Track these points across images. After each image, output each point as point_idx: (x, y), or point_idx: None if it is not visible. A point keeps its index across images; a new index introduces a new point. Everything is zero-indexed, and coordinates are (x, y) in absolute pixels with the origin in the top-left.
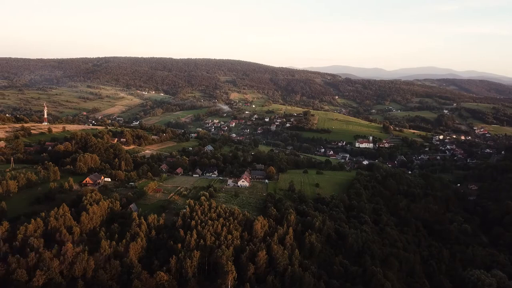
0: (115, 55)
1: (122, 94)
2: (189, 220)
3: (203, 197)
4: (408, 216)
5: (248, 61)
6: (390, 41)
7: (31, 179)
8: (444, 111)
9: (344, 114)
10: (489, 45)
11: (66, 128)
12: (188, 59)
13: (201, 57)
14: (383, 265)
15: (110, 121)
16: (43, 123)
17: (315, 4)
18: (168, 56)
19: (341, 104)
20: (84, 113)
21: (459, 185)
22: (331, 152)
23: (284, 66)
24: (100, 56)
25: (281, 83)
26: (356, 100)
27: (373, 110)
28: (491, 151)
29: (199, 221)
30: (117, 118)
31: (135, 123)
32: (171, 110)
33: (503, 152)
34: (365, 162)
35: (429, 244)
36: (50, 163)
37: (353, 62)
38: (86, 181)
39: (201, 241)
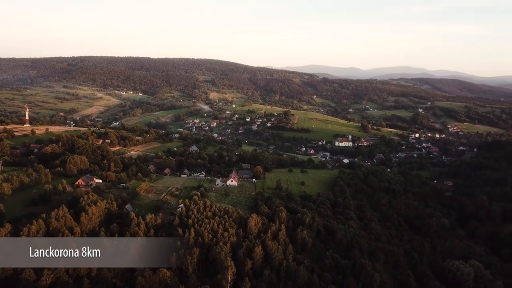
0: (91, 55)
1: (99, 94)
2: (185, 218)
3: (195, 197)
4: (390, 212)
5: (226, 60)
6: (366, 41)
7: (24, 182)
8: (419, 110)
9: (322, 113)
10: (460, 46)
11: (49, 130)
12: (166, 58)
13: (179, 57)
14: (371, 258)
15: (90, 122)
16: (25, 125)
17: (291, 4)
18: (145, 56)
19: (319, 103)
20: (62, 113)
21: (435, 181)
22: (312, 151)
23: (262, 65)
24: (75, 56)
25: (260, 83)
26: (334, 100)
27: (351, 109)
28: (464, 149)
29: (195, 219)
30: (96, 119)
31: (114, 123)
32: (151, 110)
33: (475, 149)
34: (346, 161)
35: (411, 238)
36: (40, 165)
37: (330, 62)
38: (78, 183)
39: (199, 238)
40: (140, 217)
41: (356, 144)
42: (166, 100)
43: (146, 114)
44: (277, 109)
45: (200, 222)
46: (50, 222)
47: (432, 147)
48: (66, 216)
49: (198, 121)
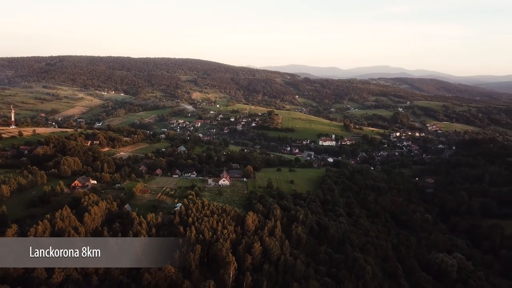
0: (70, 54)
1: (81, 95)
2: (185, 217)
3: (191, 196)
4: (377, 209)
5: (208, 60)
6: (345, 41)
7: (21, 183)
8: (399, 109)
9: (305, 113)
10: (437, 46)
11: (37, 131)
12: (147, 58)
13: (161, 56)
14: (362, 252)
15: (75, 123)
16: (11, 127)
17: (271, 3)
18: (126, 55)
19: (301, 103)
20: (43, 114)
21: (417, 179)
22: (297, 151)
23: (243, 65)
24: (54, 55)
25: (243, 83)
26: (316, 99)
27: (332, 109)
28: (443, 147)
29: (195, 218)
30: (79, 120)
31: (98, 124)
32: (134, 111)
33: (454, 147)
34: (330, 159)
35: (397, 232)
36: (35, 167)
37: (310, 61)
38: (75, 184)
39: (200, 236)
40: (141, 216)
41: (339, 143)
42: (149, 100)
43: (129, 114)
44: (261, 109)
45: (200, 220)
46: (56, 222)
47: (412, 145)
48: (70, 216)
49: (182, 121)
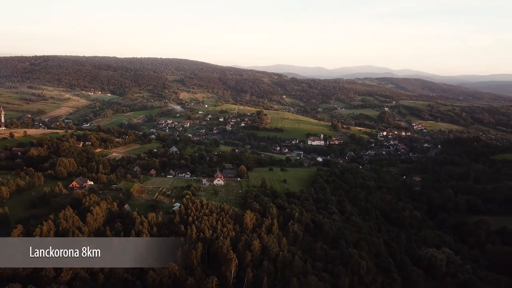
0: (54, 54)
1: (67, 95)
2: (185, 216)
3: (187, 196)
4: (368, 206)
5: (196, 60)
6: (331, 41)
7: (20, 185)
8: (385, 108)
9: (293, 113)
10: (422, 46)
11: (28, 133)
12: (133, 58)
13: (147, 56)
14: (356, 248)
15: (64, 124)
16: (1, 128)
17: (257, 3)
18: (112, 55)
19: (289, 103)
20: (29, 115)
21: (405, 177)
22: (286, 150)
23: (229, 65)
24: (38, 55)
25: (230, 83)
26: (303, 99)
27: (320, 109)
28: (429, 146)
29: (195, 216)
30: (66, 120)
31: (85, 125)
32: (122, 111)
33: (439, 146)
34: (319, 159)
35: (388, 229)
36: (31, 168)
37: (297, 61)
38: (73, 185)
39: (201, 234)
40: (142, 216)
41: (328, 143)
42: (137, 101)
43: (117, 114)
44: (249, 109)
45: (200, 219)
46: (60, 222)
47: (399, 144)
48: (73, 216)
49: (171, 121)
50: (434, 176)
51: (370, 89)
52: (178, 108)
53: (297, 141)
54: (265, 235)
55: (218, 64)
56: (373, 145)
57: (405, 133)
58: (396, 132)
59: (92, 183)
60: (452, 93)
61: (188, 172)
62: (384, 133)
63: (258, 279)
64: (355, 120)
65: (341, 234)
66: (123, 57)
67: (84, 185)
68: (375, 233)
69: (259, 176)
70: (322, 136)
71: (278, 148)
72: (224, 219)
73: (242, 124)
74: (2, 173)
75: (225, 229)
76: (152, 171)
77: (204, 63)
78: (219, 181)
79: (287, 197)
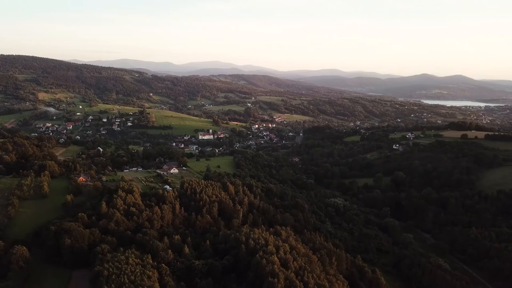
0: None
1: None
2: (192, 189)
3: (170, 180)
4: (282, 178)
5: (45, 57)
6: (177, 36)
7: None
8: (248, 104)
9: (165, 110)
10: (262, 42)
11: None
12: None
13: None
14: (294, 200)
15: None
16: None
17: None
18: None
19: (158, 101)
20: None
21: (289, 159)
22: (182, 145)
23: (69, 59)
24: None
25: (90, 81)
26: (171, 97)
27: (190, 106)
28: (293, 134)
29: (200, 189)
30: None
31: None
32: None
33: (301, 134)
34: (217, 150)
35: (300, 191)
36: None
37: (143, 56)
38: (81, 180)
39: (214, 196)
40: (165, 192)
41: (216, 136)
42: None
43: None
44: (129, 109)
45: (206, 189)
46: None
47: (270, 134)
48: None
49: (50, 124)
50: (309, 156)
51: (230, 86)
52: (51, 110)
53: (188, 137)
54: (247, 196)
55: (59, 59)
56: (251, 136)
57: (271, 125)
58: (264, 125)
59: (89, 177)
60: (295, 88)
61: (140, 167)
62: (257, 126)
63: (255, 217)
64: (227, 115)
65: (284, 193)
66: None
67: (88, 178)
68: (297, 192)
69: (195, 165)
70: (211, 131)
71: (174, 144)
72: (217, 189)
73: (129, 124)
74: None
75: (223, 193)
76: (109, 168)
77: (56, 60)
78: (174, 170)
79: (233, 176)
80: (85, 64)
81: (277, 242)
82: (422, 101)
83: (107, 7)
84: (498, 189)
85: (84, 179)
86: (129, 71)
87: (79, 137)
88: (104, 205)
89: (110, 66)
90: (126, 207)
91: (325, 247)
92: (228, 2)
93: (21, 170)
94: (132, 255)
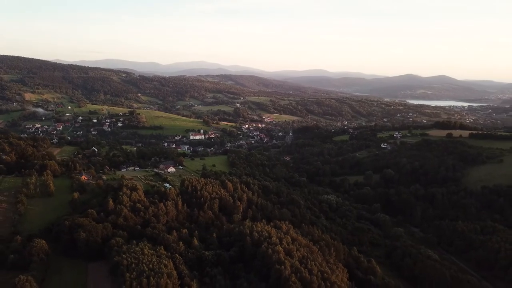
0: None
1: None
2: (194, 186)
3: (169, 178)
4: (276, 176)
5: (31, 57)
6: (163, 36)
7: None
8: (237, 104)
9: (154, 110)
10: (246, 42)
11: None
12: None
13: None
14: (287, 200)
15: None
16: None
17: None
18: None
19: (146, 101)
20: None
21: (281, 158)
22: (174, 146)
23: (53, 59)
24: None
25: (77, 82)
26: (159, 97)
27: (179, 106)
28: (283, 134)
29: (201, 186)
30: None
31: None
32: None
33: (290, 133)
34: (209, 150)
35: (293, 188)
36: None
37: (129, 56)
38: (83, 178)
39: (214, 194)
40: (167, 189)
41: (207, 136)
42: None
43: None
44: (118, 109)
45: (207, 187)
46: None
47: (261, 134)
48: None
49: (39, 125)
50: (300, 155)
51: (218, 86)
52: (40, 110)
53: (180, 137)
54: (245, 192)
55: (44, 59)
56: (241, 136)
57: (261, 125)
58: (254, 125)
59: (91, 176)
60: (282, 88)
61: (137, 167)
62: (247, 126)
63: (254, 213)
64: (217, 115)
65: (279, 190)
66: None
67: (90, 177)
68: (291, 190)
69: (192, 164)
70: (202, 131)
71: (166, 144)
72: (216, 186)
73: (120, 124)
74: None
75: (223, 190)
76: (107, 167)
77: (42, 60)
78: (172, 169)
79: (229, 174)
80: (71, 64)
81: (279, 234)
82: (407, 101)
83: (89, 6)
84: (482, 185)
85: (86, 178)
86: (116, 72)
87: (70, 138)
88: (111, 201)
89: (97, 67)
90: (132, 203)
91: (323, 239)
92: (211, 2)
93: (22, 170)
94: (146, 247)
